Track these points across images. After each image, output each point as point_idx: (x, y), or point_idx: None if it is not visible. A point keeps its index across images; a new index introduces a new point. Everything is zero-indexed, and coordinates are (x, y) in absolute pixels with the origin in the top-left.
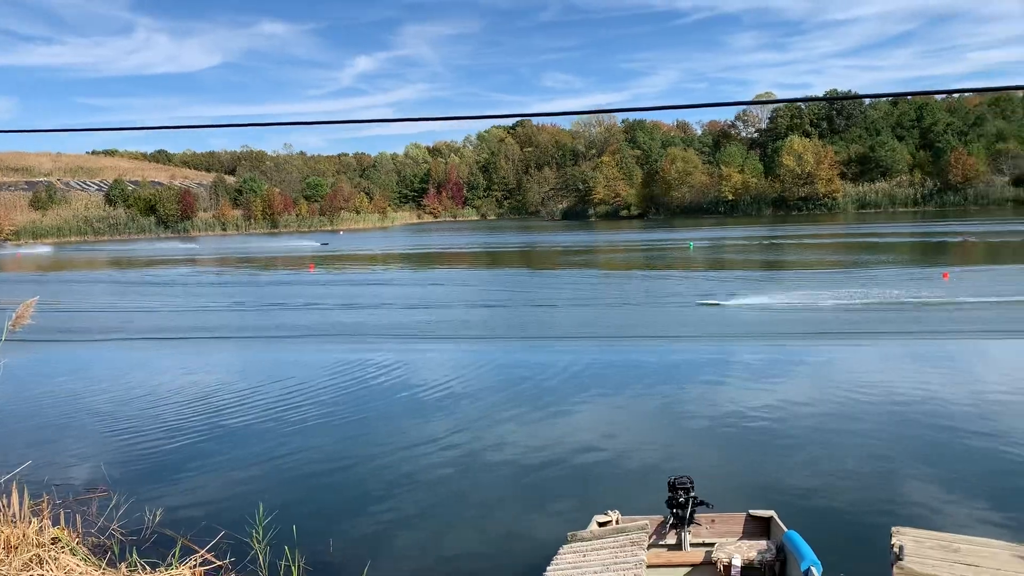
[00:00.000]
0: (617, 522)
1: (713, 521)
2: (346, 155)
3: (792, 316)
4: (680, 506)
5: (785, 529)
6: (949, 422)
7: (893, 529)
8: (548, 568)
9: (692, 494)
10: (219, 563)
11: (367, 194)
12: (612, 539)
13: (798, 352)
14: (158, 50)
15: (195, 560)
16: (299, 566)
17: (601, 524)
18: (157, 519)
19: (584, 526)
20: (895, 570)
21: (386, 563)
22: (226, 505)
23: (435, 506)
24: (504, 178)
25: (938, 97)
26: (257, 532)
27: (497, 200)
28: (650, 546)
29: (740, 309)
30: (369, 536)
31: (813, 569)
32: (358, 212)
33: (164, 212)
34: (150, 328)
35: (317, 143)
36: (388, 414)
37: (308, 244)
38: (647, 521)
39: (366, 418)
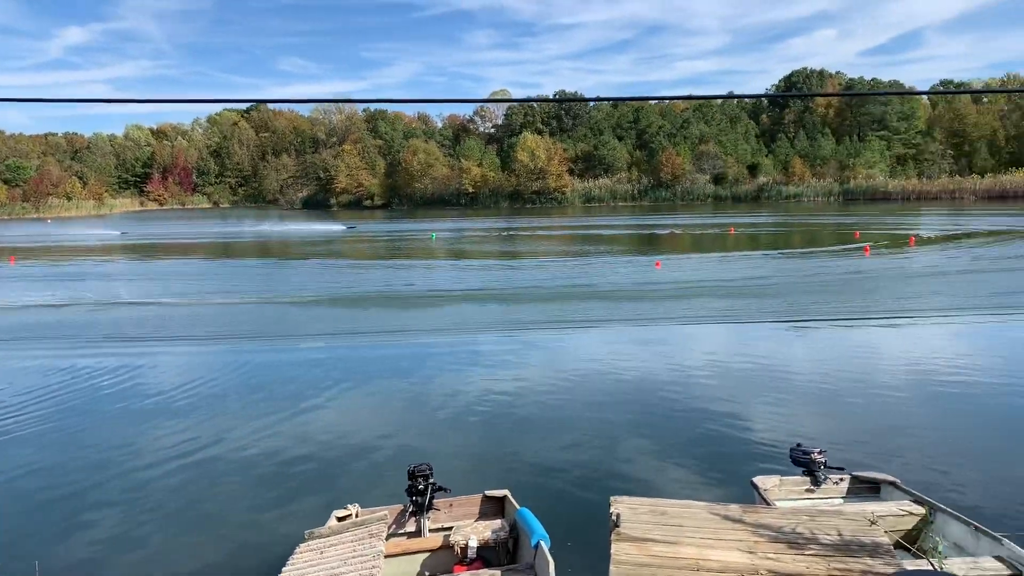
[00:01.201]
0: (357, 515)
1: (451, 505)
2: (54, 135)
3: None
4: (419, 493)
5: (518, 507)
6: (662, 398)
7: (612, 499)
8: (284, 568)
9: (431, 481)
10: None
11: (80, 179)
12: (351, 533)
13: (523, 339)
14: None
15: None
16: None
17: (340, 519)
18: None
19: (324, 523)
20: (613, 536)
21: None
22: None
23: (163, 517)
24: (238, 164)
25: (651, 102)
26: None
27: (231, 187)
28: (390, 536)
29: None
30: (85, 555)
31: (542, 543)
32: (69, 198)
33: None
34: None
35: (19, 120)
36: (108, 423)
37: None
38: (387, 511)
39: (82, 429)
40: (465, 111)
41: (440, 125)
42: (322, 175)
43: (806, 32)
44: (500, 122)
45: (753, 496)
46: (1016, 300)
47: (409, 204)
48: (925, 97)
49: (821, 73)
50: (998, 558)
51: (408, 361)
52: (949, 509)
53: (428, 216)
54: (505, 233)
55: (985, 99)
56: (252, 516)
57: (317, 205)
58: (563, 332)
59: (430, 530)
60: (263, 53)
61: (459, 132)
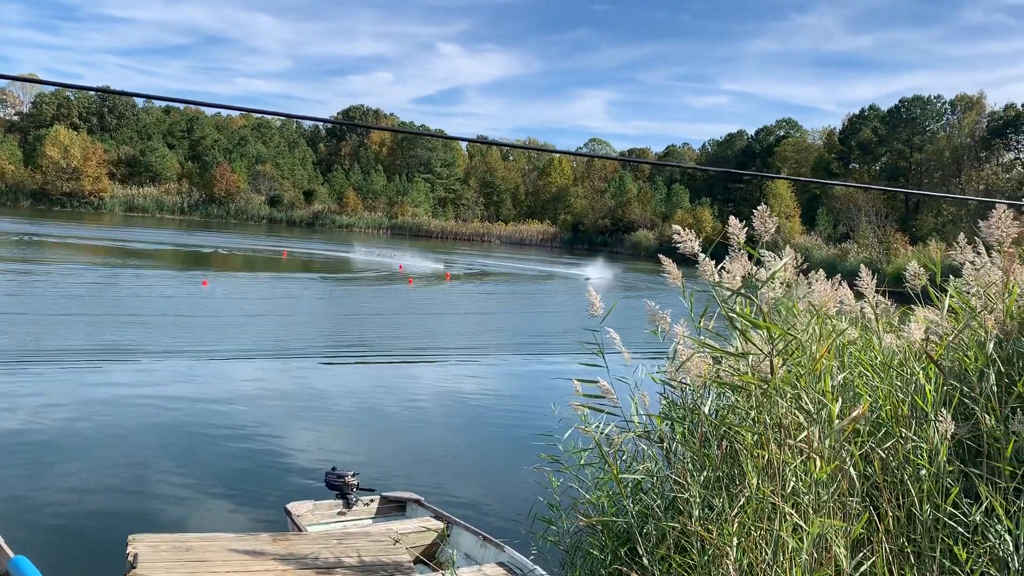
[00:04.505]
0: None
1: None
2: None
3: None
4: None
5: (12, 555)
6: (198, 432)
7: (130, 538)
8: None
9: None
10: None
11: None
12: None
13: (33, 369)
14: None
15: None
16: None
17: None
18: None
19: None
20: None
21: None
22: None
23: None
24: None
25: (209, 112)
26: None
27: None
28: None
29: None
30: None
31: None
32: None
33: None
34: None
35: None
36: None
37: None
38: None
39: None
40: None
41: None
42: None
43: (364, 71)
44: (26, 110)
45: (287, 523)
46: (528, 339)
47: None
48: (464, 148)
49: (377, 112)
50: (501, 564)
51: None
52: (463, 523)
53: None
54: (26, 237)
55: (511, 157)
56: None
57: None
58: (85, 360)
59: None
60: None
61: None
